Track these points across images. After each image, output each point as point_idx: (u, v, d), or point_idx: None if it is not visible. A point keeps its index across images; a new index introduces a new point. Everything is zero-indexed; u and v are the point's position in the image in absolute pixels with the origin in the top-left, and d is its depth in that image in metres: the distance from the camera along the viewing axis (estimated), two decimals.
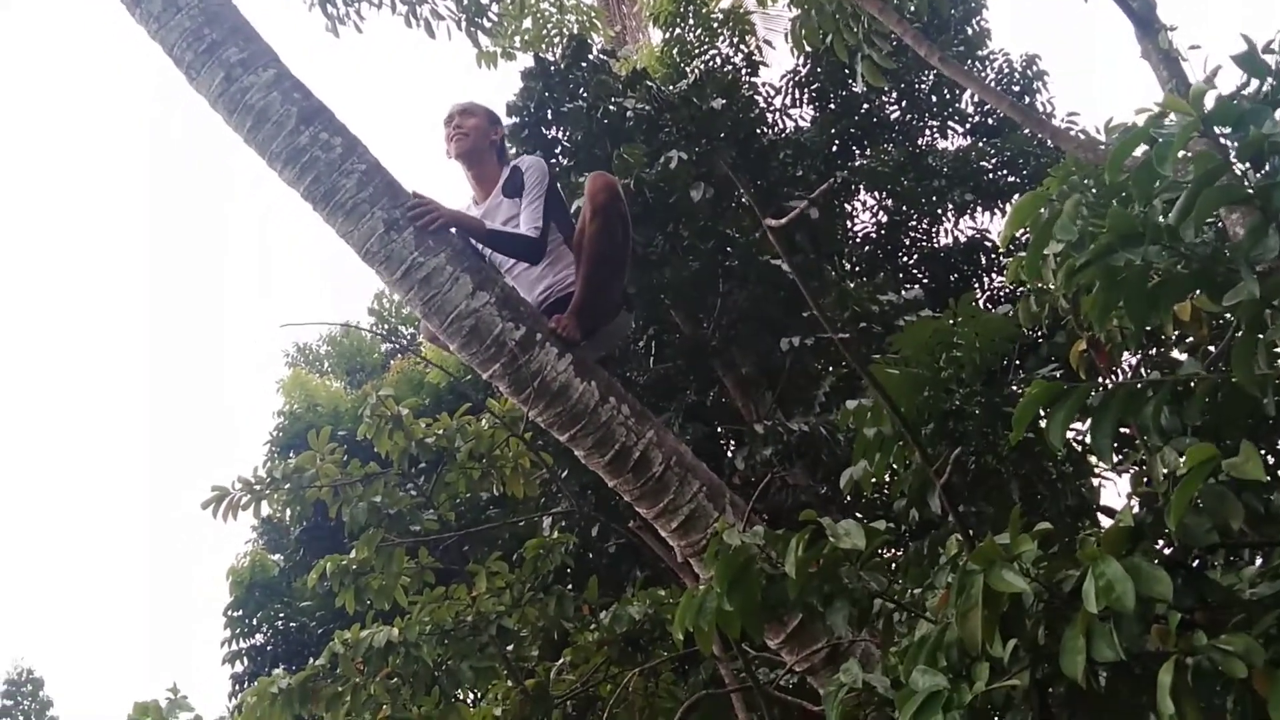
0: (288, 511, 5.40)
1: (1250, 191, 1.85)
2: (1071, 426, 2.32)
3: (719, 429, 9.11)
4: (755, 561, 2.80)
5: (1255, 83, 2.27)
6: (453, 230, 4.11)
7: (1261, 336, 1.88)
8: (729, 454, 8.51)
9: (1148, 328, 2.35)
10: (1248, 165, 1.96)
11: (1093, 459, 5.16)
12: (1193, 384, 2.16)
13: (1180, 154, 1.95)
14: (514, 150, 8.89)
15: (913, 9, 6.56)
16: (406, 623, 5.22)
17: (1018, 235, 4.90)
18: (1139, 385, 2.15)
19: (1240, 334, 1.92)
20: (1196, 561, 2.29)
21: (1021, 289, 4.84)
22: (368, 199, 3.95)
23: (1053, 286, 2.85)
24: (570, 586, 6.28)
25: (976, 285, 10.39)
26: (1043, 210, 2.25)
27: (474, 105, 5.02)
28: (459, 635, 5.34)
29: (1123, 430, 2.82)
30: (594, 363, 4.20)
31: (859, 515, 7.30)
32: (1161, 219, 2.02)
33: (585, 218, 4.45)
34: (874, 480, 4.34)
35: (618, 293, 4.65)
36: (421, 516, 5.34)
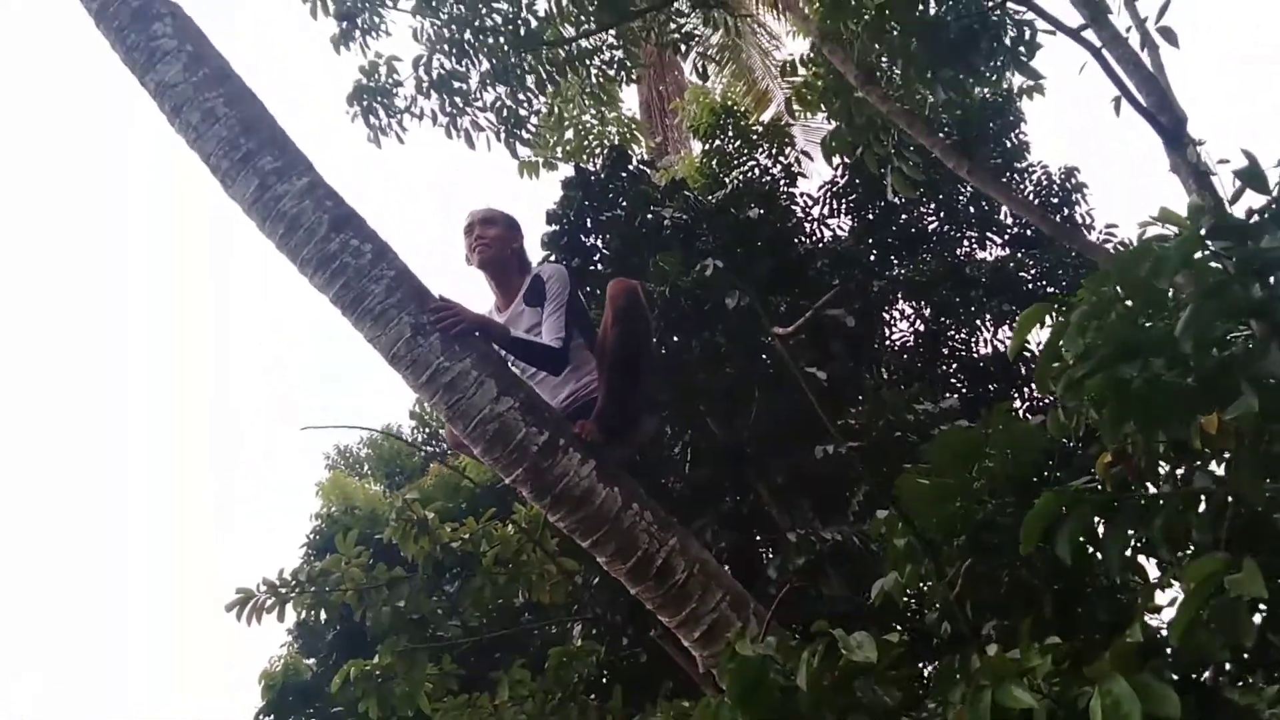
0: (321, 614, 5.39)
1: (1251, 306, 1.84)
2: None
3: (757, 538, 9.03)
4: (769, 673, 2.77)
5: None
6: (476, 334, 4.15)
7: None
8: (766, 562, 8.41)
9: (1171, 440, 2.32)
10: (1254, 280, 1.95)
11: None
12: (1202, 498, 2.12)
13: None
14: (549, 255, 9.02)
15: (946, 122, 6.67)
16: None
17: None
18: (1146, 499, 2.12)
19: (1241, 449, 1.89)
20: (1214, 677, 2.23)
21: (1050, 399, 4.80)
22: (395, 304, 4.02)
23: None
24: (594, 697, 6.19)
25: (1016, 395, 10.29)
26: (1048, 320, 2.25)
27: (494, 213, 5.08)
28: None
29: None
30: (619, 468, 4.20)
31: (897, 627, 7.14)
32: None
33: (607, 323, 4.48)
34: (907, 592, 4.27)
35: (641, 396, 4.65)
36: (446, 622, 5.31)
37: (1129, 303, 1.96)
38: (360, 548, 5.28)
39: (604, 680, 6.82)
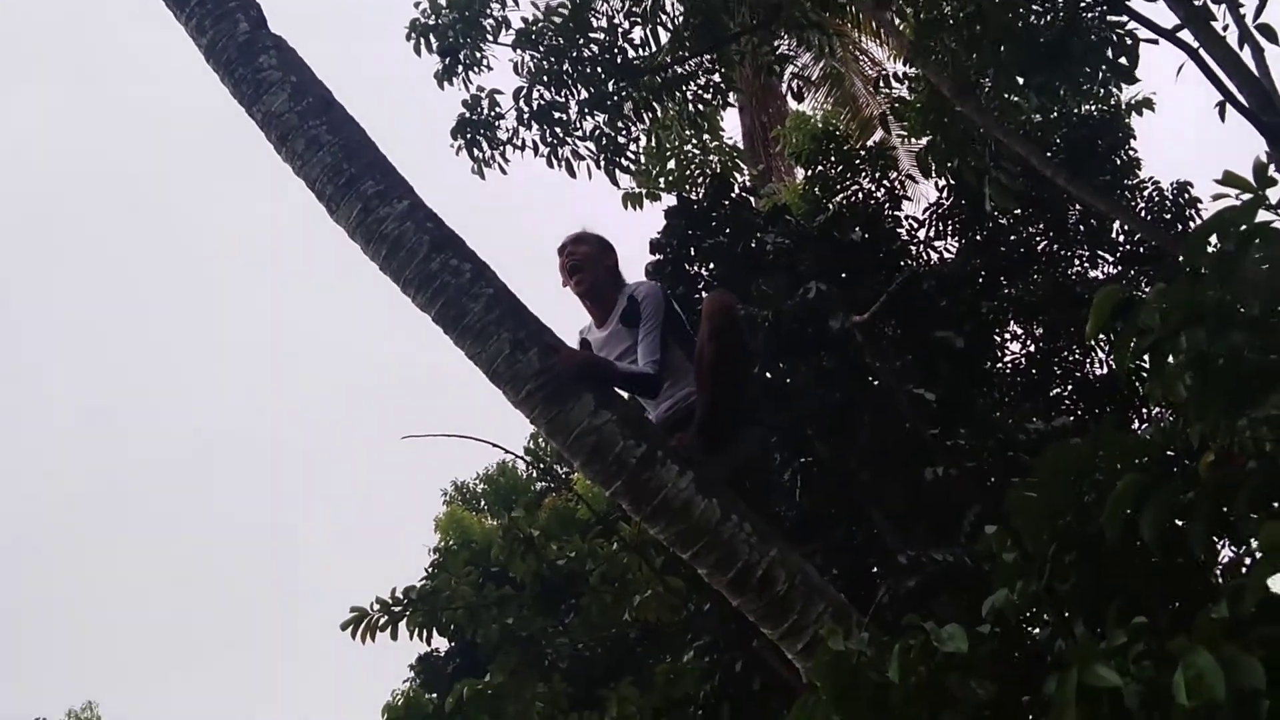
0: (440, 644, 5.49)
1: None
2: None
3: (869, 564, 8.94)
4: (864, 669, 2.76)
5: None
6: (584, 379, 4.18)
7: None
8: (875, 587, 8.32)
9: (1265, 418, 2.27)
10: None
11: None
12: None
13: None
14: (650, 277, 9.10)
15: (1055, 141, 6.59)
16: None
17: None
18: (1232, 476, 2.09)
19: None
20: None
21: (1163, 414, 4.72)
22: (494, 321, 4.12)
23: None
24: (701, 713, 6.18)
25: (1134, 415, 10.06)
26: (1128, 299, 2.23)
27: (586, 234, 5.18)
28: None
29: None
30: (718, 480, 4.23)
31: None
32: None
33: (703, 337, 4.52)
34: (1018, 609, 4.21)
35: (739, 408, 4.68)
36: (555, 641, 5.38)
37: (1202, 270, 1.95)
38: (469, 567, 5.38)
39: (713, 699, 6.80)
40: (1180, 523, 2.68)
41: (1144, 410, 10.03)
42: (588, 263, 5.03)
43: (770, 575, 3.96)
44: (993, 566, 4.87)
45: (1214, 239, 1.97)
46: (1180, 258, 2.02)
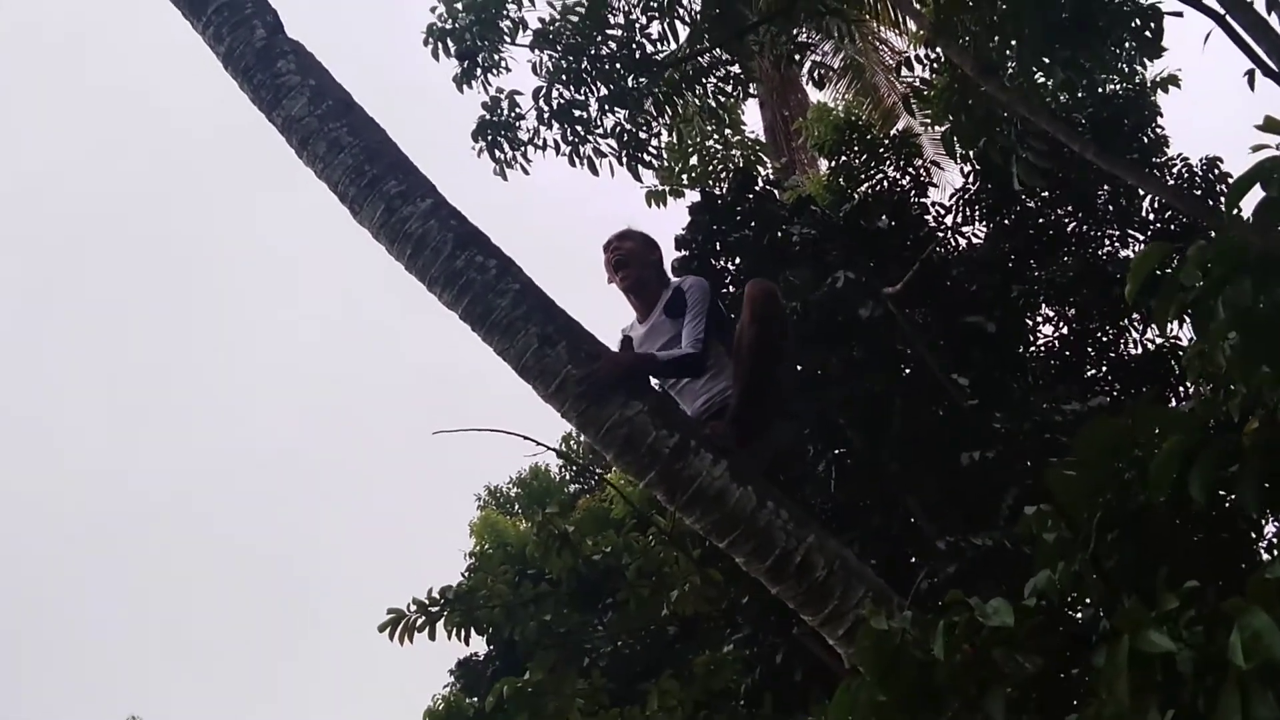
0: (481, 648, 5.49)
1: None
2: None
3: (907, 553, 8.89)
4: (907, 648, 2.72)
5: None
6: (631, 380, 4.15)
7: None
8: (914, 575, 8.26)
9: None
10: None
11: None
12: None
13: None
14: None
15: (1080, 121, 6.51)
16: None
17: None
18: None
19: None
20: None
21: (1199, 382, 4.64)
22: (522, 316, 4.10)
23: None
24: (743, 704, 6.15)
25: (1171, 395, 9.95)
26: (1174, 259, 2.18)
27: (631, 230, 5.18)
28: None
29: None
30: (752, 468, 4.19)
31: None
32: None
33: (744, 321, 4.50)
34: (1061, 590, 4.15)
35: (775, 400, 4.64)
36: (593, 636, 5.35)
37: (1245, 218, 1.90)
38: (504, 566, 5.37)
39: (755, 689, 6.76)
40: (1225, 494, 2.63)
41: (1181, 389, 9.92)
42: (633, 258, 5.03)
43: (809, 561, 3.92)
44: (1033, 549, 4.82)
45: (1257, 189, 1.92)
46: (1214, 225, 1.97)
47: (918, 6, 7.91)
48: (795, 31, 9.15)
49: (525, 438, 4.84)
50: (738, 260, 9.32)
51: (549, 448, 4.79)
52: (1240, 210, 2.13)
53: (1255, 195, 2.06)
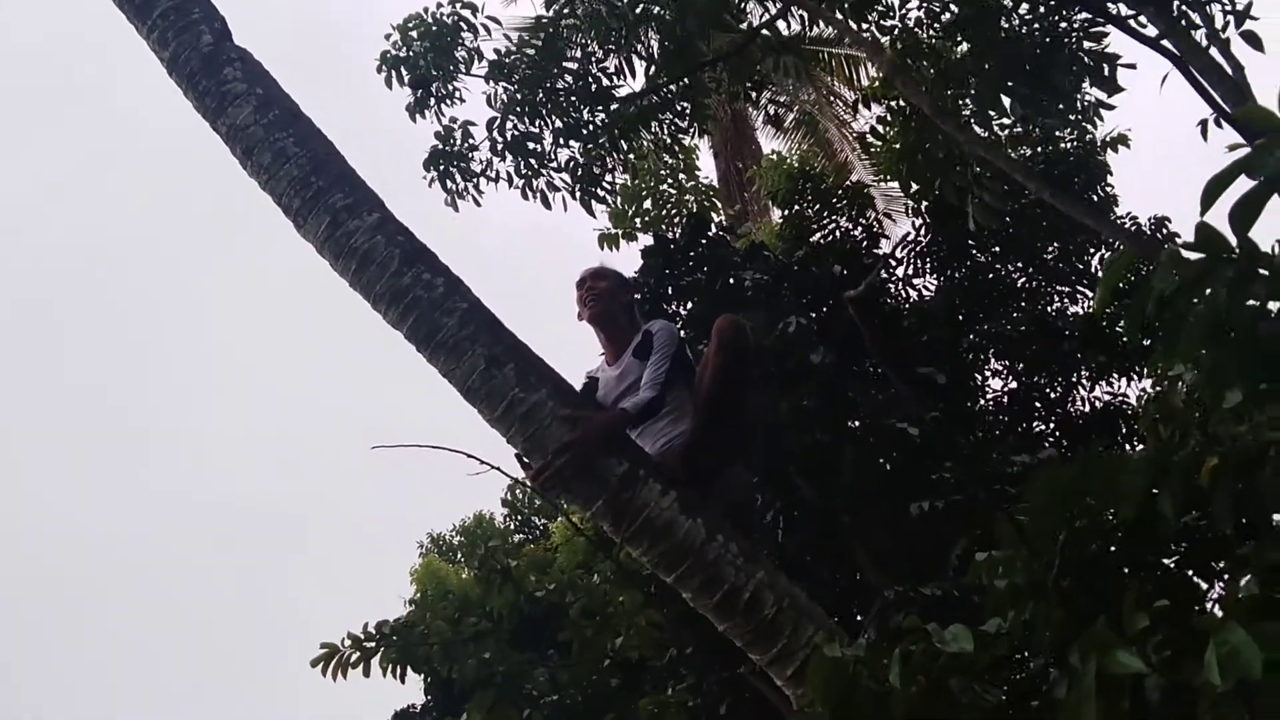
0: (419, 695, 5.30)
1: None
2: None
3: (855, 605, 8.77)
4: (861, 678, 2.60)
5: None
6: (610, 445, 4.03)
7: None
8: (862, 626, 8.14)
9: None
10: None
11: None
12: None
13: None
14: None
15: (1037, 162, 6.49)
16: None
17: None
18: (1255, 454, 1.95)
19: None
20: None
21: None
22: (469, 336, 3.98)
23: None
24: None
25: (1119, 450, 9.95)
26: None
27: (605, 269, 5.10)
28: None
29: None
30: (701, 500, 4.06)
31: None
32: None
33: (710, 352, 4.41)
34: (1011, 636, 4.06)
35: (734, 438, 4.54)
36: (536, 680, 5.18)
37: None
38: (444, 603, 5.19)
39: None
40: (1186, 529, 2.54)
41: (1129, 446, 9.94)
42: (606, 297, 4.94)
43: (758, 598, 3.80)
44: (983, 598, 4.73)
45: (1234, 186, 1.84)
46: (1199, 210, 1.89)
47: (880, 42, 7.92)
48: (750, 72, 9.15)
49: (469, 455, 4.69)
50: (690, 304, 9.25)
51: (493, 467, 4.64)
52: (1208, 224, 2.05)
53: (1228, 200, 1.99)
